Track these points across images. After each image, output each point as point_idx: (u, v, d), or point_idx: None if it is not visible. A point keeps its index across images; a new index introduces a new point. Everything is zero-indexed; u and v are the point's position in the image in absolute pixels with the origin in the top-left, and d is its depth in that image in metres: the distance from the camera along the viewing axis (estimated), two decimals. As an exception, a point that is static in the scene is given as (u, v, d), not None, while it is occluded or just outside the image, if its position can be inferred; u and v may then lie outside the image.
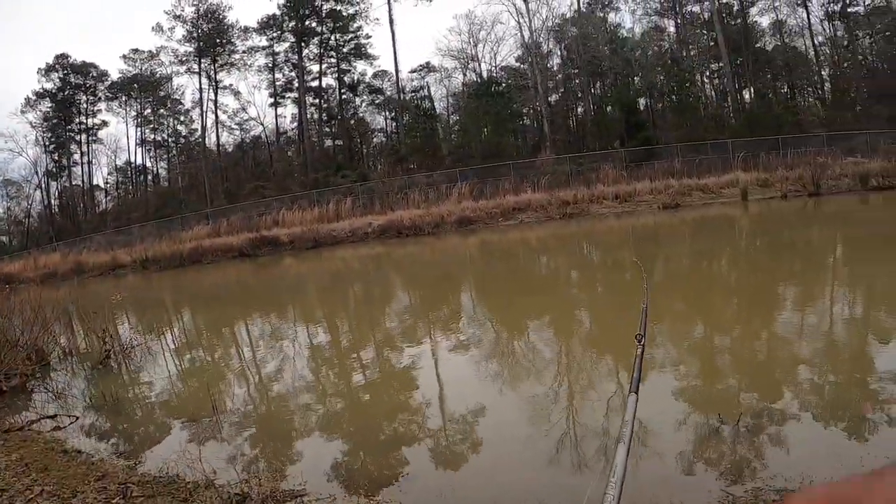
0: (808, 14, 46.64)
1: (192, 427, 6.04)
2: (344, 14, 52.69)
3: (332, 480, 4.51)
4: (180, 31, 52.74)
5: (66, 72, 54.07)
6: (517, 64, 52.05)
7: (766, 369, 6.11)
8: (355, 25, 53.11)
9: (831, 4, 46.27)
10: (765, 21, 48.59)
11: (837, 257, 13.21)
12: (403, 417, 5.84)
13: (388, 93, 54.88)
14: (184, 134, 57.30)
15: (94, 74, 54.91)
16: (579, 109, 50.47)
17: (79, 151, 55.66)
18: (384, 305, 13.29)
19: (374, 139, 58.02)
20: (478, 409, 5.64)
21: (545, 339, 8.57)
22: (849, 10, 45.95)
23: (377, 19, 52.61)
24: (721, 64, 46.70)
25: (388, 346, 9.12)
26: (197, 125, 55.38)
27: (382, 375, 7.49)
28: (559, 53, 51.54)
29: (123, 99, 55.48)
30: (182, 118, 56.83)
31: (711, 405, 5.02)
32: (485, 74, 51.02)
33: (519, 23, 47.72)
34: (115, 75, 55.11)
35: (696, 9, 49.18)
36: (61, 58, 53.78)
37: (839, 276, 11.01)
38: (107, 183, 58.58)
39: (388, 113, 56.17)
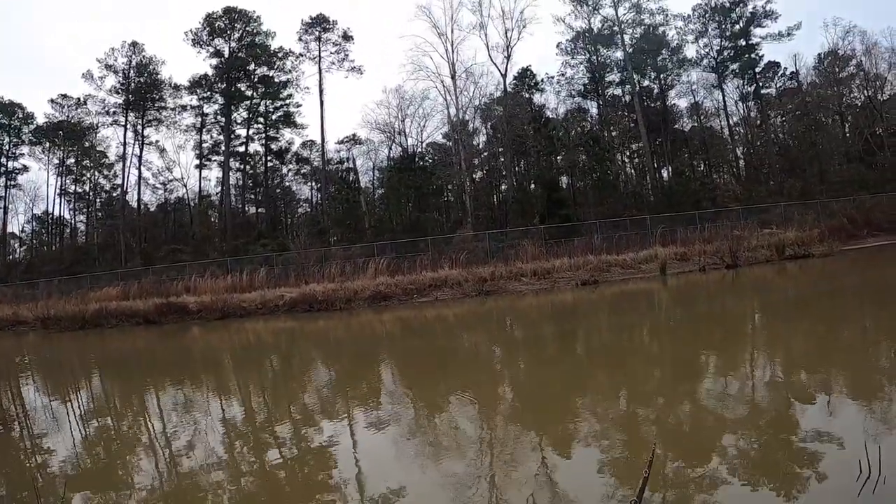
0: (723, 96, 49.43)
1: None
2: (275, 81, 52.71)
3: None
4: (111, 81, 51.68)
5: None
6: (443, 140, 52.15)
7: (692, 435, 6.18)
8: (286, 93, 53.24)
9: (745, 87, 48.66)
10: (682, 103, 51.33)
11: (756, 326, 13.37)
12: (322, 498, 5.55)
13: (315, 163, 54.21)
14: (106, 188, 55.64)
15: (20, 116, 52.84)
16: (502, 187, 50.54)
17: (-5, 196, 52.72)
18: (297, 382, 12.59)
19: (299, 209, 56.92)
20: (398, 488, 5.41)
21: (464, 416, 8.17)
22: (761, 91, 48.61)
23: (307, 88, 52.69)
24: (641, 144, 47.86)
25: (304, 423, 8.61)
26: (120, 181, 53.67)
27: (299, 453, 7.12)
28: (485, 131, 51.93)
29: (47, 145, 53.46)
30: (105, 172, 55.12)
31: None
32: (411, 149, 50.81)
33: (446, 100, 48.03)
34: (41, 119, 53.33)
35: (618, 91, 50.96)
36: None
37: (758, 344, 11.19)
38: (23, 231, 56.24)
39: (313, 183, 55.25)
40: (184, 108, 52.87)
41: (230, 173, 52.98)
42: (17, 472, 6.97)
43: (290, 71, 52.58)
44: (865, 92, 46.01)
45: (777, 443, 5.49)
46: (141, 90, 51.32)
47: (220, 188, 53.72)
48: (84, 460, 7.39)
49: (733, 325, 13.48)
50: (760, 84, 49.18)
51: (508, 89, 48.99)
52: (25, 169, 53.91)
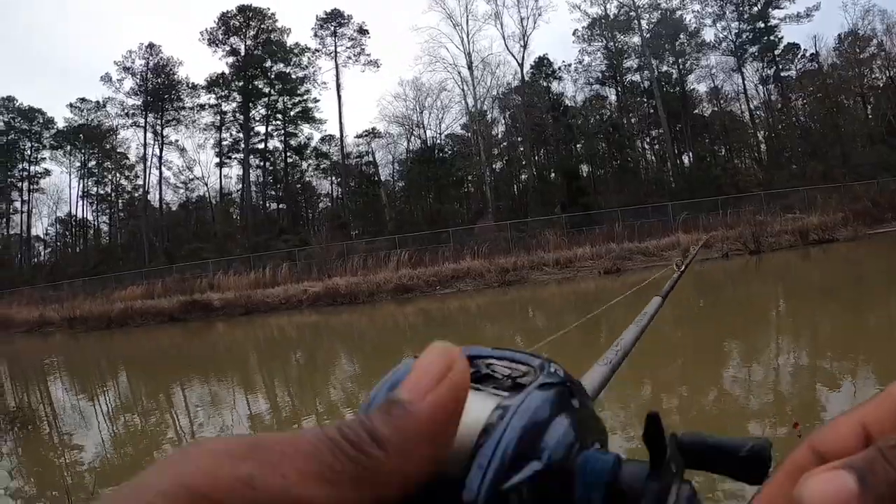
0: (743, 80, 48.70)
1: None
2: (292, 77, 52.82)
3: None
4: (129, 84, 52.16)
5: (11, 116, 52.48)
6: (462, 131, 52.04)
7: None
8: (303, 89, 53.30)
9: (765, 70, 47.97)
10: (702, 88, 50.57)
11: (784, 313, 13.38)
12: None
13: (335, 157, 54.29)
14: (127, 189, 55.98)
15: (41, 121, 53.32)
16: (522, 176, 50.37)
17: (19, 199, 53.67)
18: (322, 376, 12.68)
19: (320, 204, 57.19)
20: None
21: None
22: (781, 74, 47.94)
23: (325, 83, 52.80)
24: (661, 130, 47.43)
25: (329, 417, 8.61)
26: (141, 181, 54.23)
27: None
28: (503, 121, 51.76)
29: (68, 148, 53.85)
30: (126, 173, 55.48)
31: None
32: (430, 141, 50.78)
33: (463, 91, 48.01)
34: (61, 123, 53.72)
35: (637, 77, 50.43)
36: (7, 101, 52.32)
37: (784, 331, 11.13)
38: (46, 234, 56.65)
39: (333, 178, 55.41)
40: (202, 107, 53.15)
41: (250, 170, 53.18)
42: (47, 470, 7.05)
43: (306, 67, 52.77)
44: (887, 72, 45.11)
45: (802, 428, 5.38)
46: (159, 91, 51.65)
47: (240, 185, 53.95)
48: (114, 458, 7.49)
49: (762, 313, 13.36)
50: (780, 66, 48.33)
51: (526, 78, 48.80)
52: (47, 173, 54.57)
